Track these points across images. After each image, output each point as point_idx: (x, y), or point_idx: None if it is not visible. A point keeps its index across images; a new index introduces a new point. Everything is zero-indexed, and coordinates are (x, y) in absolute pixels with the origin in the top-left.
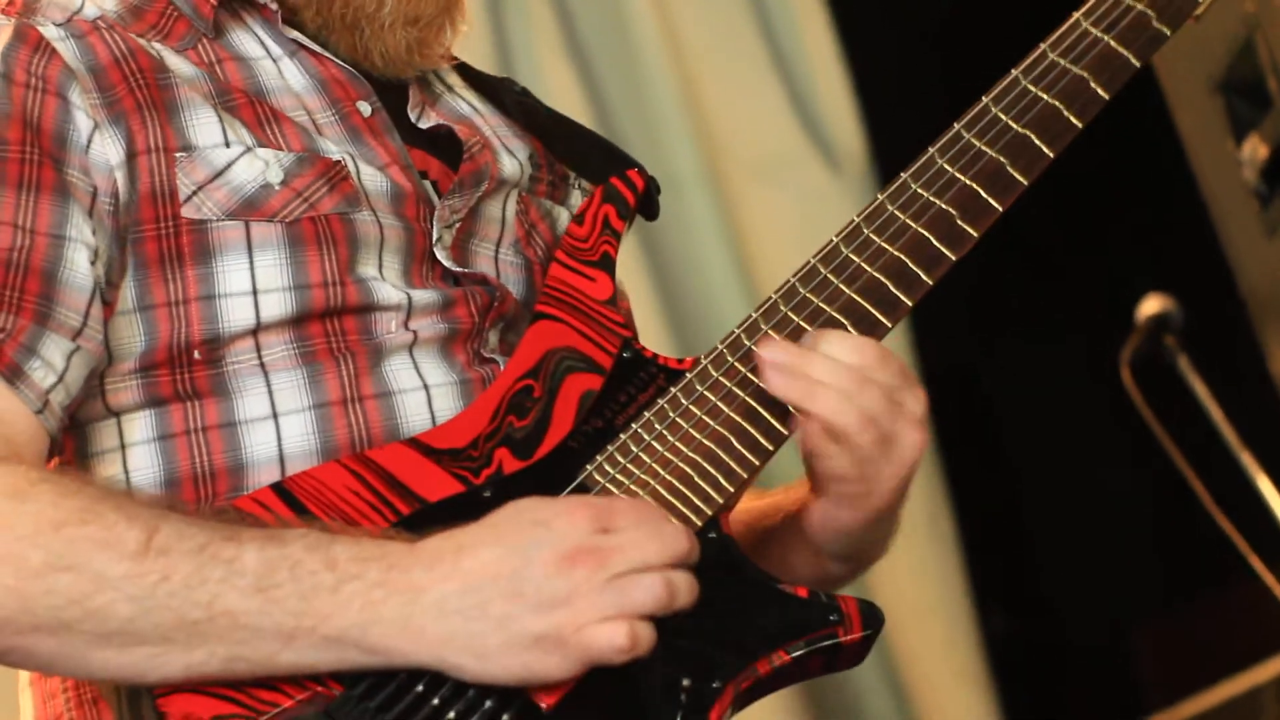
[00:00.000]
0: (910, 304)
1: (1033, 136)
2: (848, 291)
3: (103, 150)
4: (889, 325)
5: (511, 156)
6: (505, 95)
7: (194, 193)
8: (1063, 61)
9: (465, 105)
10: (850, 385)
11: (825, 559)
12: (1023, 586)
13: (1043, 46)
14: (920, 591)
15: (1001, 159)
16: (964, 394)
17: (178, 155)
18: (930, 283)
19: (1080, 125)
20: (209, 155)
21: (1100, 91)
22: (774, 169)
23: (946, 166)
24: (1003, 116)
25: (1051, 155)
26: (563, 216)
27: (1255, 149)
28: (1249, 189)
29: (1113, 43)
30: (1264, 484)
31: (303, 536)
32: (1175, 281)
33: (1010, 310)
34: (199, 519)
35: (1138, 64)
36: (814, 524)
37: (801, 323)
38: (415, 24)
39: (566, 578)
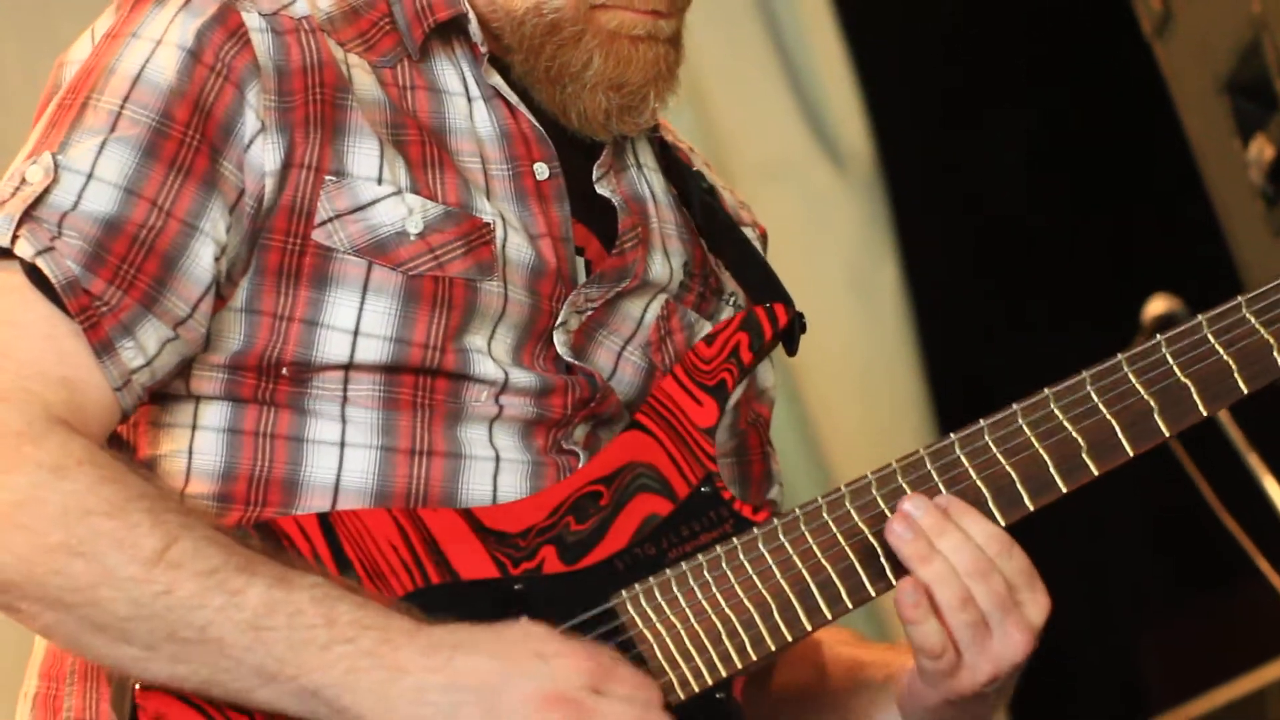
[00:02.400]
0: (1003, 524)
1: (1192, 388)
2: (944, 493)
3: (261, 154)
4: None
5: (665, 259)
6: (692, 186)
7: (330, 219)
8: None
9: (646, 187)
10: (971, 565)
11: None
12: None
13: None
14: None
15: (1151, 401)
16: (969, 394)
17: (328, 178)
18: (1031, 508)
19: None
20: (357, 187)
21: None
22: (780, 170)
23: (1093, 395)
24: (1170, 359)
25: (1205, 415)
26: (704, 330)
27: (1262, 149)
28: (1255, 189)
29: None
30: (1270, 485)
31: (312, 586)
32: (1181, 282)
33: (1016, 310)
34: (223, 540)
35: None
36: (902, 692)
37: (887, 510)
38: (619, 90)
39: (537, 715)
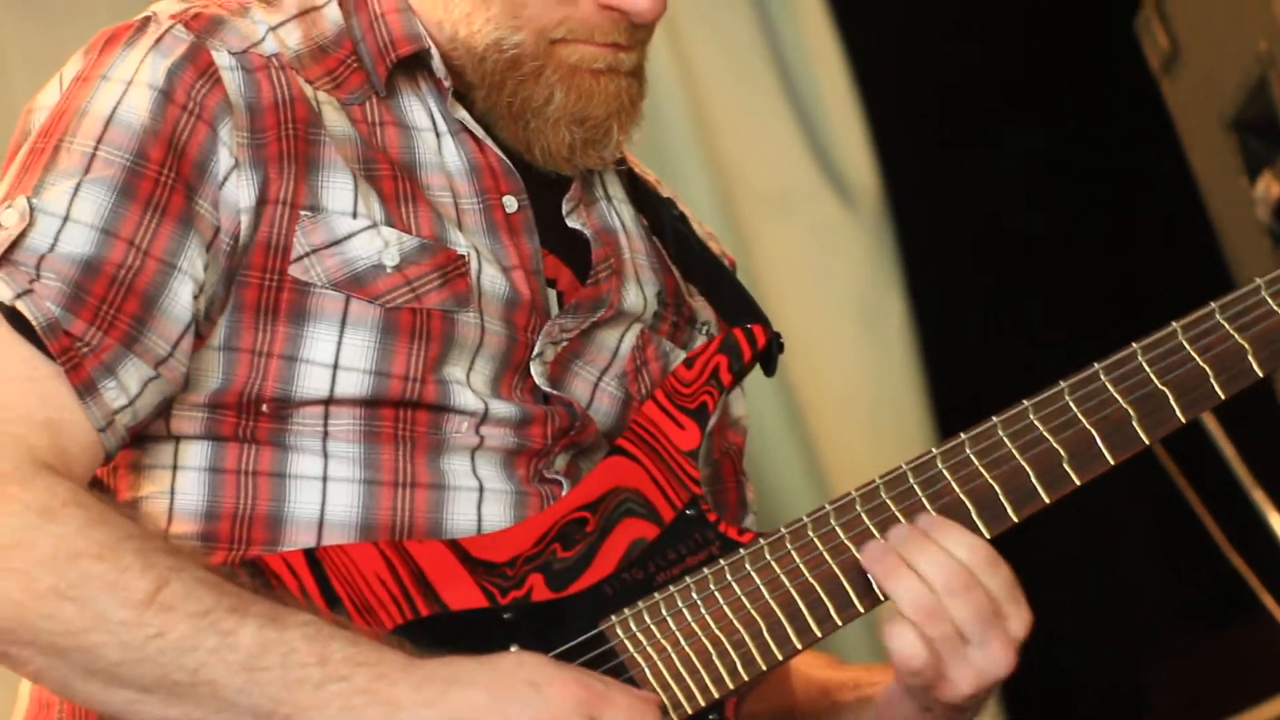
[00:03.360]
0: (988, 537)
1: (1170, 395)
2: (928, 508)
3: (236, 191)
4: (992, 547)
5: (639, 289)
6: (664, 215)
7: (307, 254)
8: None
9: (616, 219)
10: (950, 581)
11: None
12: (1034, 619)
13: (1213, 305)
14: None
15: (1129, 410)
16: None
17: (303, 213)
18: (1015, 520)
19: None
20: (333, 221)
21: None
22: (787, 203)
23: (1072, 405)
24: (1146, 367)
25: (1183, 422)
26: (679, 359)
27: (1269, 187)
28: (1262, 226)
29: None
30: (1275, 520)
31: (304, 624)
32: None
33: (1023, 343)
34: (213, 580)
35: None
36: (880, 706)
37: (872, 527)
38: (582, 124)
39: None
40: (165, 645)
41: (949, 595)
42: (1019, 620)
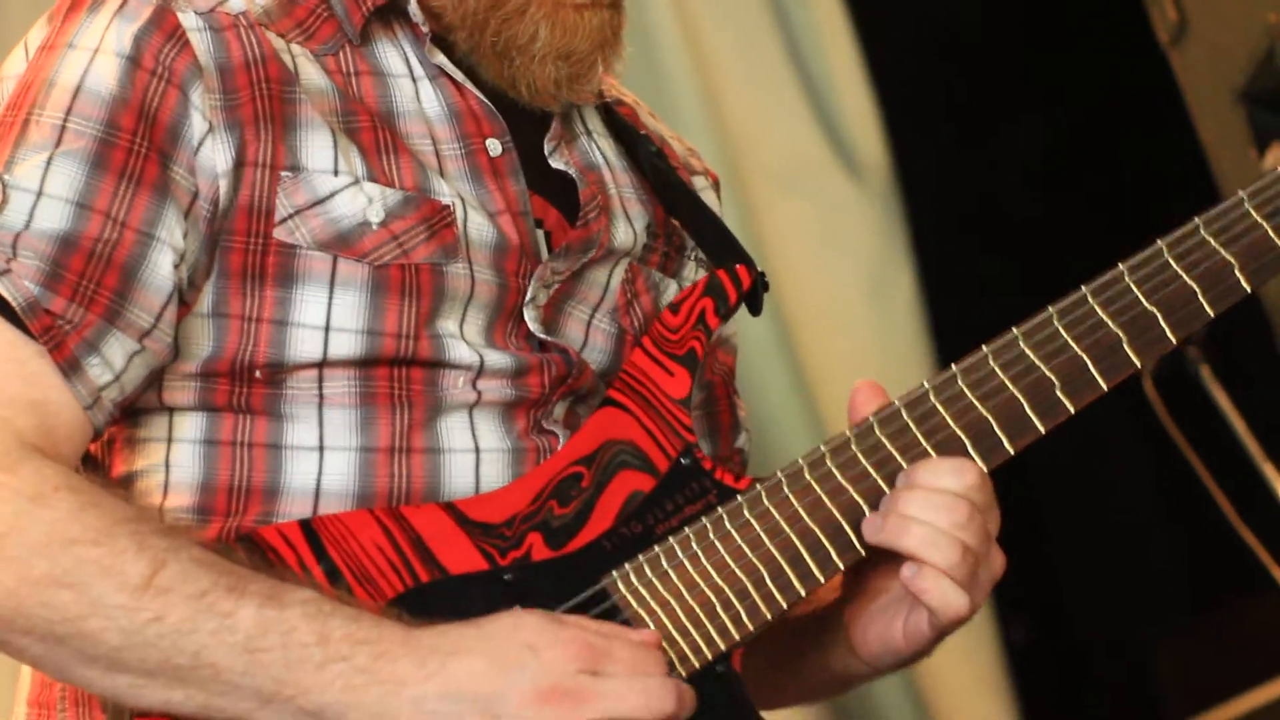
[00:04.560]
0: (985, 470)
1: (1159, 315)
2: (924, 444)
3: (212, 155)
4: (981, 466)
5: (629, 224)
6: (641, 151)
7: (290, 215)
8: (1213, 242)
9: (598, 154)
10: (952, 516)
11: (858, 663)
12: (1044, 596)
13: (1197, 221)
14: None
15: (1119, 332)
16: None
17: (283, 174)
18: (1011, 452)
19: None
20: (314, 180)
21: (1244, 282)
22: (796, 178)
23: (1062, 331)
24: (1134, 288)
25: (1174, 342)
26: (670, 288)
27: (1277, 158)
28: None
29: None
30: None
31: (303, 603)
32: None
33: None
34: (210, 560)
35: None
36: (869, 640)
37: (869, 466)
38: (568, 59)
39: (538, 713)
40: (164, 629)
41: (959, 530)
42: (995, 517)
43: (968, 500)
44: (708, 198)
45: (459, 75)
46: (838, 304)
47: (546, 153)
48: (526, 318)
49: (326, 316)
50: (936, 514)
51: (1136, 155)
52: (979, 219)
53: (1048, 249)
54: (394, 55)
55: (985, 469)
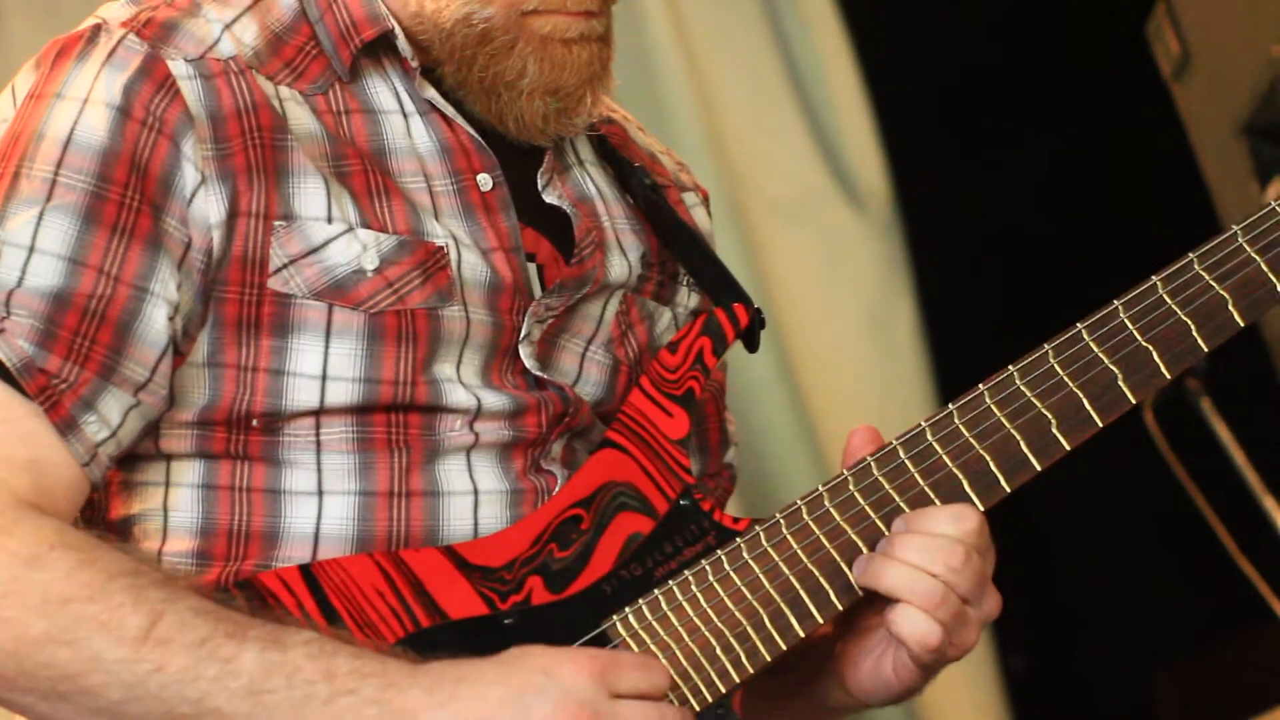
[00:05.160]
0: (981, 509)
1: (1154, 352)
2: (921, 484)
3: (204, 207)
4: (981, 509)
5: (623, 257)
6: (634, 183)
7: (284, 265)
8: (1207, 278)
9: (591, 186)
10: (953, 559)
11: (850, 699)
12: (1044, 626)
13: (1191, 256)
14: None
15: (1114, 369)
16: None
17: (276, 224)
18: (1008, 490)
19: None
20: (308, 229)
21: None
22: (797, 207)
23: (1058, 368)
24: (1129, 325)
25: (1169, 378)
26: (665, 316)
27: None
28: None
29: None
30: None
31: (306, 643)
32: None
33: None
34: (208, 608)
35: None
36: (861, 676)
37: (867, 506)
38: (556, 94)
39: None
40: (166, 679)
41: (952, 573)
42: (991, 559)
43: (963, 545)
44: (698, 214)
45: (449, 110)
46: (839, 332)
47: (540, 187)
48: (522, 354)
49: (323, 365)
50: (930, 557)
51: (1139, 188)
52: (981, 249)
53: (1049, 280)
54: (384, 91)
55: (982, 508)
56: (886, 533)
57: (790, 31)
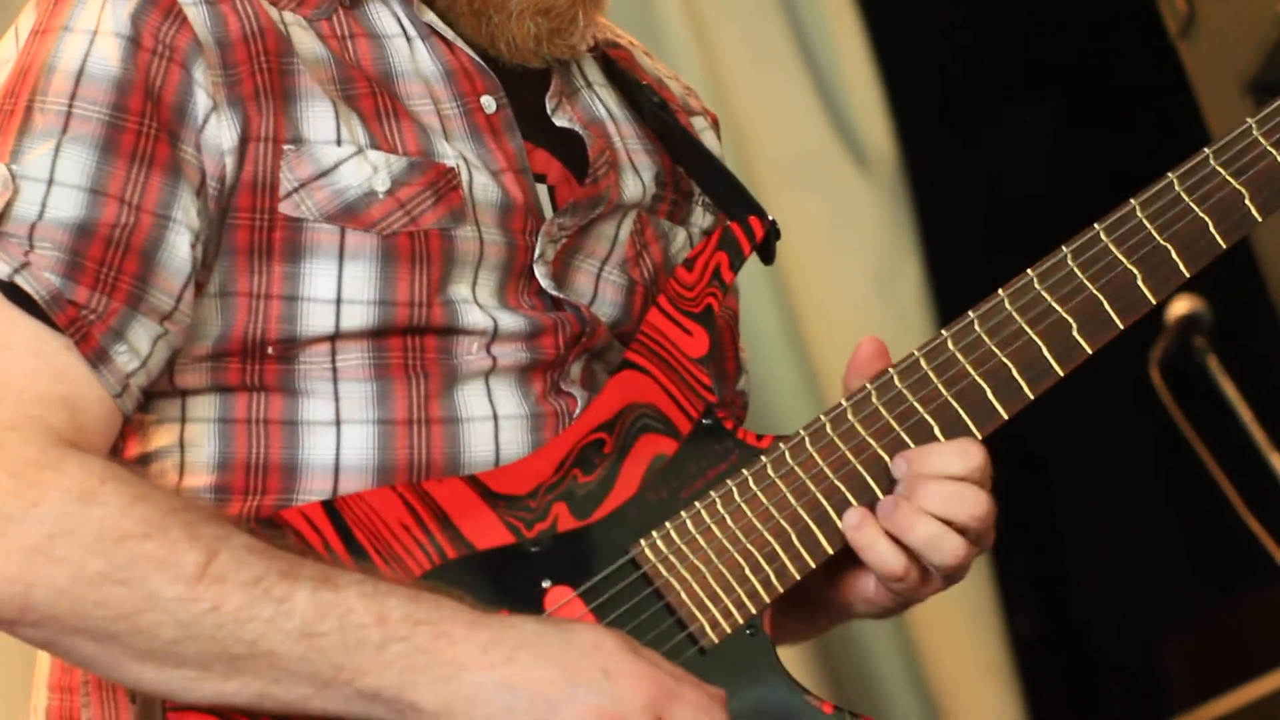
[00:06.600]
0: (1006, 418)
1: (1172, 250)
2: (945, 394)
3: (217, 133)
4: (978, 436)
5: (636, 177)
6: (643, 101)
7: (295, 189)
8: (1224, 172)
9: (601, 107)
10: (979, 510)
11: (838, 616)
12: (1050, 586)
13: (1207, 151)
14: (946, 590)
15: (1134, 270)
16: None
17: (286, 148)
18: (1031, 397)
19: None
20: (317, 152)
21: (1254, 212)
22: (803, 170)
23: (1077, 271)
24: (1148, 224)
25: (1188, 276)
26: (679, 236)
27: None
28: None
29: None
30: None
31: (359, 583)
32: (1204, 281)
33: None
34: (261, 546)
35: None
36: (854, 596)
37: (891, 420)
38: (546, 14)
39: None
40: (221, 618)
41: (978, 521)
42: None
43: (984, 490)
44: (707, 138)
45: (450, 33)
46: (845, 296)
47: (549, 110)
48: (537, 274)
49: (337, 289)
50: (955, 506)
51: (1145, 147)
52: (987, 211)
53: (1055, 241)
54: (386, 15)
55: (1006, 417)
56: (912, 445)
57: None
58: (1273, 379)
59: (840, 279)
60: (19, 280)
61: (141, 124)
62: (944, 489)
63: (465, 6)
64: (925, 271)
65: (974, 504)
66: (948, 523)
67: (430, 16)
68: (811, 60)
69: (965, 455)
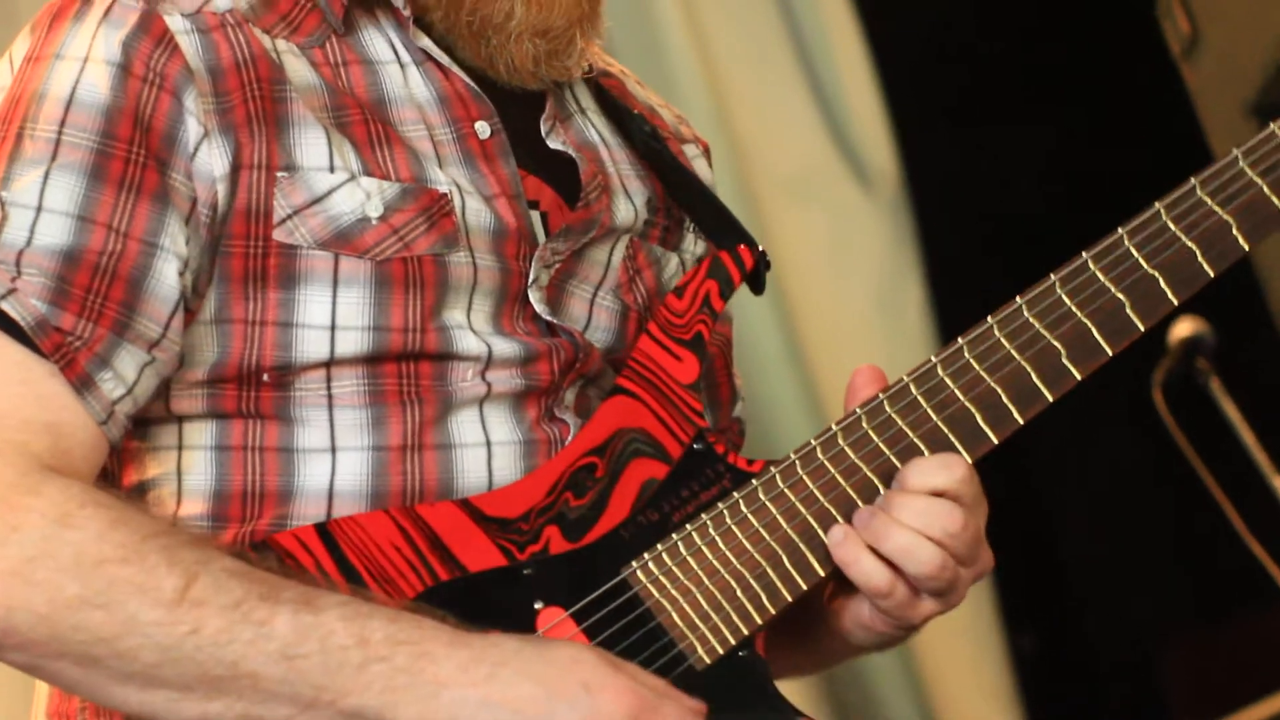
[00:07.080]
0: (995, 442)
1: (1160, 278)
2: (935, 419)
3: (208, 160)
4: (968, 459)
5: (629, 201)
6: (633, 127)
7: (289, 216)
8: (1210, 203)
9: (594, 132)
10: (953, 525)
11: (841, 646)
12: (1052, 606)
13: (1194, 181)
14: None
15: (1122, 297)
16: None
17: (279, 175)
18: (1021, 422)
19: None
20: (310, 179)
21: (1241, 240)
22: (806, 187)
23: (1065, 298)
24: (1135, 253)
25: (1175, 304)
26: (672, 261)
27: None
28: None
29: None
30: None
31: (340, 605)
32: (1207, 303)
33: None
34: (242, 569)
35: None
36: (851, 622)
37: (881, 444)
38: (544, 36)
39: None
40: (201, 641)
41: (951, 538)
42: (983, 511)
43: (960, 506)
44: (699, 166)
45: (444, 59)
46: (847, 312)
47: (543, 133)
48: (532, 299)
49: (331, 315)
50: (928, 520)
51: (1148, 168)
52: (989, 228)
53: (1058, 260)
54: (379, 41)
55: (996, 441)
56: (901, 468)
57: (799, 8)
58: (1276, 401)
59: (842, 296)
60: (5, 306)
61: (130, 151)
62: (919, 503)
63: (465, 28)
64: (927, 289)
65: (948, 519)
66: (925, 536)
67: (425, 42)
68: (814, 78)
69: (948, 467)
